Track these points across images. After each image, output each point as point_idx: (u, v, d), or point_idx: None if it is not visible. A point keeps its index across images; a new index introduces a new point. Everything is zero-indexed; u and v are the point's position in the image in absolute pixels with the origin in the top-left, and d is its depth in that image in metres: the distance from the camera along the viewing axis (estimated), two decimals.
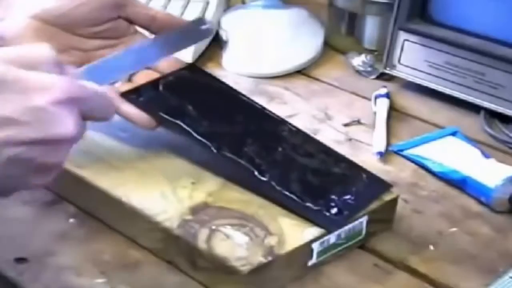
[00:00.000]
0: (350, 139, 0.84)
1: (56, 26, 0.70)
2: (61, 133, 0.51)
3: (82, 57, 0.71)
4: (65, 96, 0.51)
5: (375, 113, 0.88)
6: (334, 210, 0.63)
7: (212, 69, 0.97)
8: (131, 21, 0.74)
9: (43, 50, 0.53)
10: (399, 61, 0.95)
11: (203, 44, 1.00)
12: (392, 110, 0.90)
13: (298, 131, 0.72)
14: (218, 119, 0.70)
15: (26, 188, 0.54)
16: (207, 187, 0.66)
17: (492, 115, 0.89)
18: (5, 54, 0.51)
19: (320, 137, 0.83)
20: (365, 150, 0.81)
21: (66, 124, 0.51)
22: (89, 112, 0.53)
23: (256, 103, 0.74)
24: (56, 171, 0.53)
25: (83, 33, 0.72)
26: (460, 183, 0.75)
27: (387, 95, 0.91)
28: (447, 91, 0.92)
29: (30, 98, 0.49)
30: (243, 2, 1.11)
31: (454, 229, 0.69)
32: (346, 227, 0.63)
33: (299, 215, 0.62)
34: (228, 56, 1.00)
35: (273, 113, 0.73)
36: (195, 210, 0.63)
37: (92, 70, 0.64)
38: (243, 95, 0.75)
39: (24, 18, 0.70)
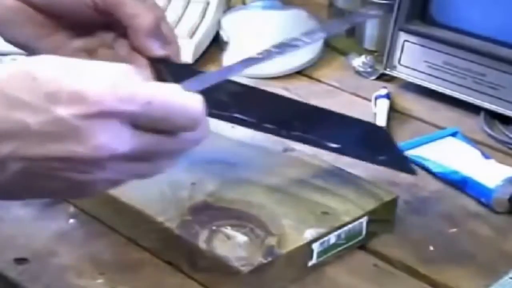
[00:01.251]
0: None
1: (44, 13, 0.63)
2: (77, 152, 0.46)
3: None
4: (97, 110, 0.45)
5: (375, 114, 0.88)
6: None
7: (212, 69, 0.97)
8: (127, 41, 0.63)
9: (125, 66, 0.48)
10: (399, 61, 0.95)
11: (203, 45, 1.00)
12: (392, 111, 0.89)
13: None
14: (250, 111, 0.64)
15: (64, 197, 0.51)
16: (207, 188, 0.66)
17: (492, 116, 0.89)
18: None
19: None
20: None
21: (84, 140, 0.46)
22: (161, 124, 0.48)
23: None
24: (94, 189, 0.49)
25: (70, 29, 0.64)
26: (460, 184, 0.75)
27: (387, 96, 0.91)
28: (447, 91, 0.92)
29: (55, 107, 0.45)
30: (244, 3, 1.11)
31: (454, 229, 0.69)
32: (346, 228, 0.63)
33: (299, 216, 0.63)
34: (228, 57, 1.00)
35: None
36: (195, 210, 0.63)
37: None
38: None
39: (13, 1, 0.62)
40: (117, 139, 0.47)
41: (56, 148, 0.46)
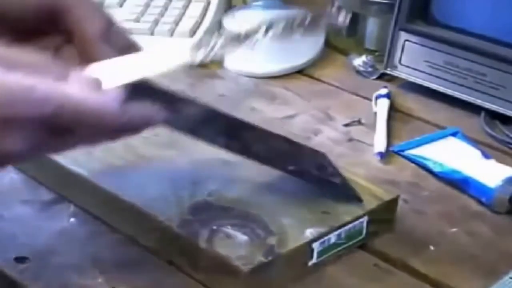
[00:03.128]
0: (350, 140, 0.84)
1: None
2: None
3: None
4: (4, 114, 0.45)
5: (375, 113, 0.88)
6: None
7: (213, 69, 0.97)
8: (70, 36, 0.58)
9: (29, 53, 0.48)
10: (400, 61, 0.95)
11: None
12: (393, 111, 0.89)
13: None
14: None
15: None
16: (208, 187, 0.66)
17: (493, 116, 0.89)
18: None
19: (320, 138, 0.83)
20: (366, 150, 0.81)
21: None
22: (64, 125, 0.48)
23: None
24: None
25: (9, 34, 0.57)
26: (461, 184, 0.75)
27: (388, 96, 0.91)
28: (448, 91, 0.92)
29: None
30: (244, 3, 1.11)
31: (455, 229, 0.69)
32: (347, 227, 0.63)
33: (300, 215, 0.63)
34: (229, 56, 1.00)
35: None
36: (196, 209, 0.63)
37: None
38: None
39: None
40: (21, 142, 0.47)
41: None
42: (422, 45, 0.92)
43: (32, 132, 0.48)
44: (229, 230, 0.61)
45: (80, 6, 0.57)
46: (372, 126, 0.85)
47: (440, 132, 0.85)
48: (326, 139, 0.83)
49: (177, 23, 1.01)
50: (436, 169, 0.77)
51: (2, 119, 0.46)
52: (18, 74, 0.46)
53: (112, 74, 0.52)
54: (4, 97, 0.46)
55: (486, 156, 0.79)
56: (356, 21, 1.04)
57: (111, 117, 0.50)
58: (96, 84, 0.50)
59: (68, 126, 0.49)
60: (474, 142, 0.83)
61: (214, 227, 0.61)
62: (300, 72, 0.99)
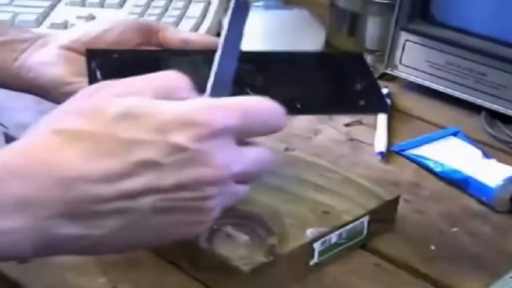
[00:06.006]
0: (351, 139, 0.84)
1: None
2: (206, 175, 0.47)
3: None
4: (210, 130, 0.46)
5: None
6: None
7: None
8: (162, 47, 0.71)
9: (174, 75, 0.49)
10: (400, 61, 0.95)
11: None
12: (394, 110, 0.90)
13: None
14: None
15: (179, 237, 0.50)
16: None
17: (493, 115, 0.89)
18: (133, 84, 0.48)
19: (321, 137, 0.83)
20: (367, 150, 0.81)
21: (208, 162, 0.47)
22: (256, 132, 0.50)
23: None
24: (211, 216, 0.50)
25: None
26: (461, 183, 0.75)
27: (389, 95, 0.91)
28: (449, 91, 0.92)
29: (169, 137, 0.46)
30: None
31: (455, 229, 0.69)
32: (348, 227, 0.63)
33: (300, 215, 0.63)
34: None
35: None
36: None
37: (215, 88, 0.54)
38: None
39: (55, 48, 0.70)
40: (232, 157, 0.48)
41: (186, 175, 0.47)
42: (423, 45, 0.92)
43: (236, 146, 0.49)
44: (229, 230, 0.61)
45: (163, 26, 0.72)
46: (373, 126, 0.85)
47: (440, 131, 0.85)
48: (327, 139, 0.83)
49: (177, 23, 1.01)
50: (437, 168, 0.77)
51: (211, 133, 0.47)
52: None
53: None
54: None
55: (487, 155, 0.79)
56: (356, 21, 1.04)
57: (282, 113, 0.51)
58: None
59: (257, 132, 0.51)
60: (475, 141, 0.83)
61: (215, 227, 0.61)
62: None
